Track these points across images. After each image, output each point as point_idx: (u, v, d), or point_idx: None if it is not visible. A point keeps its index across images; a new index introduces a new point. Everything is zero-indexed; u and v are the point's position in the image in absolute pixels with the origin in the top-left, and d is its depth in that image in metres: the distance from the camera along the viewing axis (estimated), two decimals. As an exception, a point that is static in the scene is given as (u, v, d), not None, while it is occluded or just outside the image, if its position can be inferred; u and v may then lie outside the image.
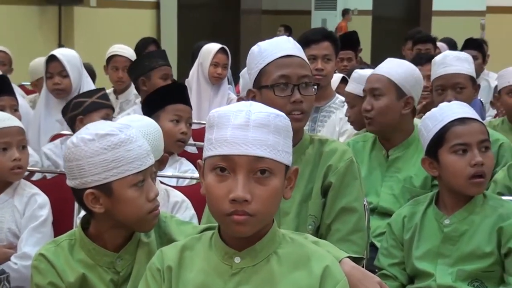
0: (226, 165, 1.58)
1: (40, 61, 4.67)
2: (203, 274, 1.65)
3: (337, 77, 4.44)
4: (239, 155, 1.57)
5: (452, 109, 2.34)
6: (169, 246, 1.74)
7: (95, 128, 1.82)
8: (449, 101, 3.10)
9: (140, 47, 5.82)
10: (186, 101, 3.19)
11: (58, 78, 3.79)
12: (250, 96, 2.28)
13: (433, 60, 3.39)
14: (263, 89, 2.26)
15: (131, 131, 1.83)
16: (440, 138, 2.29)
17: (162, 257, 1.70)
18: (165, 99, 3.13)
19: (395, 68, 2.97)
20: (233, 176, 1.58)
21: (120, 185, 1.80)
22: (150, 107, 3.13)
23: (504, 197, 2.47)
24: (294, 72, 2.24)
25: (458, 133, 2.27)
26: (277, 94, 2.23)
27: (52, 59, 3.83)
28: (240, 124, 1.58)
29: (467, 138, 2.27)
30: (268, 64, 2.25)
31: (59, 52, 3.91)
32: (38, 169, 3.26)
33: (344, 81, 4.48)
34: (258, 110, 1.61)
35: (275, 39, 2.36)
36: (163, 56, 4.09)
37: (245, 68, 3.35)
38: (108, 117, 3.27)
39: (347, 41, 5.59)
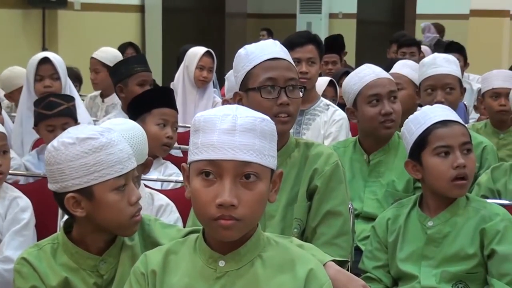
0: (212, 170, 1.57)
1: (14, 72, 4.60)
2: (187, 278, 1.65)
3: (324, 80, 4.45)
4: (226, 160, 1.57)
5: (434, 112, 2.35)
6: (154, 250, 1.74)
7: (76, 131, 1.81)
8: (439, 101, 3.14)
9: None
10: (172, 105, 3.18)
11: (49, 81, 3.77)
12: (237, 99, 2.28)
13: (421, 62, 3.40)
14: (249, 91, 2.25)
15: (112, 134, 1.82)
16: (423, 140, 2.30)
17: (146, 261, 1.70)
18: (151, 102, 3.12)
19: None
20: (219, 181, 1.57)
21: (101, 189, 1.79)
22: (136, 110, 3.11)
23: (488, 200, 2.49)
24: (281, 75, 2.25)
25: (440, 135, 2.28)
26: (263, 97, 2.23)
27: (44, 61, 3.81)
28: (226, 129, 1.58)
29: (449, 141, 2.28)
30: (255, 66, 2.25)
31: (50, 55, 3.89)
32: (21, 172, 3.25)
33: (331, 84, 4.48)
34: (245, 114, 1.61)
35: (262, 42, 2.36)
36: (140, 62, 4.03)
37: (231, 71, 3.33)
38: (58, 128, 3.14)
39: (332, 45, 5.62)
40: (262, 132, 1.61)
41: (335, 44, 5.78)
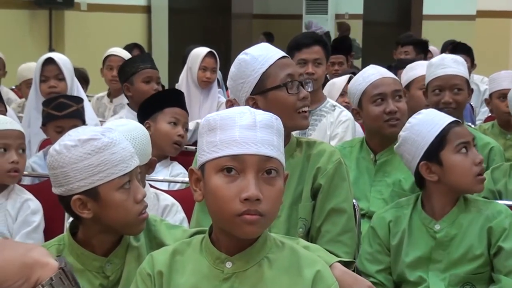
0: (235, 165, 1.56)
1: (26, 65, 4.67)
2: (194, 278, 1.64)
3: (344, 78, 4.40)
4: (249, 154, 1.56)
5: (439, 115, 2.37)
6: (160, 251, 1.73)
7: (77, 134, 1.81)
8: (447, 102, 3.15)
9: None
10: (183, 106, 3.23)
11: (54, 81, 3.78)
12: (251, 103, 2.25)
13: (429, 62, 3.39)
14: (270, 91, 2.25)
15: (113, 134, 1.82)
16: (441, 140, 2.31)
17: (152, 262, 1.69)
18: (163, 102, 3.18)
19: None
20: (242, 176, 1.56)
21: (107, 188, 1.78)
22: (148, 109, 3.16)
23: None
24: (295, 71, 2.29)
25: (459, 133, 2.31)
26: (290, 92, 2.25)
27: (49, 62, 3.82)
28: (247, 124, 1.58)
29: (467, 137, 2.32)
30: (270, 66, 2.25)
31: (55, 56, 3.90)
32: (28, 173, 3.25)
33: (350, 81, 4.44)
34: (261, 112, 1.62)
35: (261, 44, 2.38)
36: (145, 59, 4.07)
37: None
38: (67, 130, 3.19)
39: (339, 46, 5.64)
40: (278, 129, 1.62)
41: (342, 45, 5.81)
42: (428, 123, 2.35)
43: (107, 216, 1.80)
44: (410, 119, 2.42)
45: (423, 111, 2.44)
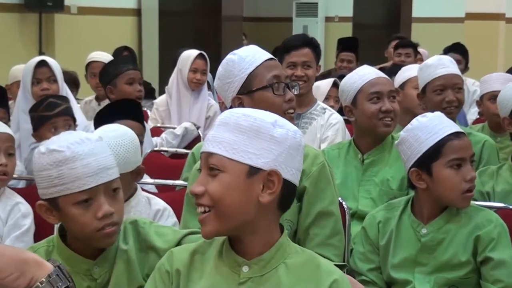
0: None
1: (20, 66, 4.68)
2: (211, 280, 1.63)
3: (328, 82, 4.43)
4: (202, 151, 1.62)
5: (443, 122, 2.33)
6: (180, 248, 1.72)
7: (51, 141, 1.80)
8: (451, 100, 3.19)
9: (115, 57, 5.81)
10: (137, 117, 2.98)
11: (46, 83, 3.77)
12: (236, 103, 2.28)
13: (425, 63, 3.38)
14: (256, 92, 2.27)
15: (82, 147, 1.77)
16: (436, 151, 2.28)
17: (172, 259, 1.68)
18: (115, 114, 2.93)
19: None
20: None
21: (64, 201, 1.77)
22: (101, 122, 2.92)
23: (482, 203, 2.50)
24: (282, 73, 2.31)
25: (455, 147, 2.27)
26: (276, 93, 2.26)
27: (41, 64, 3.81)
28: (215, 124, 1.63)
29: (463, 153, 2.28)
30: (257, 67, 2.27)
31: (47, 59, 3.90)
32: (17, 176, 3.23)
33: (335, 84, 4.45)
34: (234, 111, 1.62)
35: (249, 46, 2.39)
36: (127, 61, 4.06)
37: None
38: (61, 128, 3.16)
39: (349, 44, 5.94)
40: (237, 126, 1.58)
41: (353, 44, 6.07)
42: (428, 129, 2.30)
43: (68, 226, 1.81)
44: (413, 121, 2.37)
45: (429, 114, 2.38)
